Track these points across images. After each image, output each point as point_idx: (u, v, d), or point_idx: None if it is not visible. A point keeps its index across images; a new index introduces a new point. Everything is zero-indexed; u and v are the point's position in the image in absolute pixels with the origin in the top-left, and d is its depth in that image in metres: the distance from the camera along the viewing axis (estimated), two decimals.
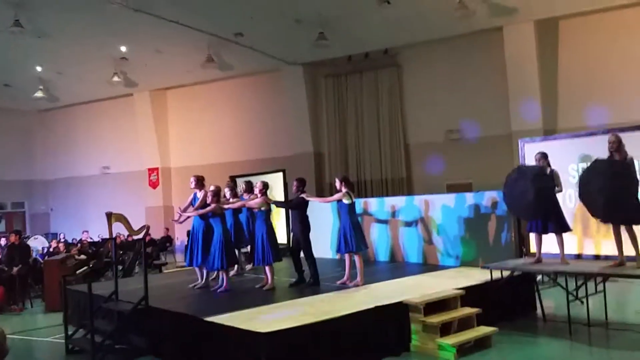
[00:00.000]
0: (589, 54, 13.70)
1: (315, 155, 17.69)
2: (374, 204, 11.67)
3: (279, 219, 12.64)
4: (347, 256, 8.56)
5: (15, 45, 15.79)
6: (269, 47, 15.98)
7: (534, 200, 7.65)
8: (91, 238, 17.36)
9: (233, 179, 11.23)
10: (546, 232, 7.86)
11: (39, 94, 19.23)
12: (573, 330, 7.29)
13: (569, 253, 8.04)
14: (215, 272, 9.08)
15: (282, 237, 11.70)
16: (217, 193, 8.73)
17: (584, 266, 7.69)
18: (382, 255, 11.33)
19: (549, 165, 8.00)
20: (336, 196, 8.53)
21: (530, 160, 8.63)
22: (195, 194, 9.08)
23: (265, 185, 8.78)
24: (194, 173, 9.62)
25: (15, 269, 11.51)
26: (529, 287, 8.56)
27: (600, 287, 7.83)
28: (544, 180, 7.78)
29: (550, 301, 8.88)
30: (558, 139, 9.45)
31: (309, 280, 8.64)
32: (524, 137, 9.95)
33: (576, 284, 7.60)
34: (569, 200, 8.38)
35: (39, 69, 18.37)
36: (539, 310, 8.35)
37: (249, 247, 10.09)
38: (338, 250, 8.65)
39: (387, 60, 16.55)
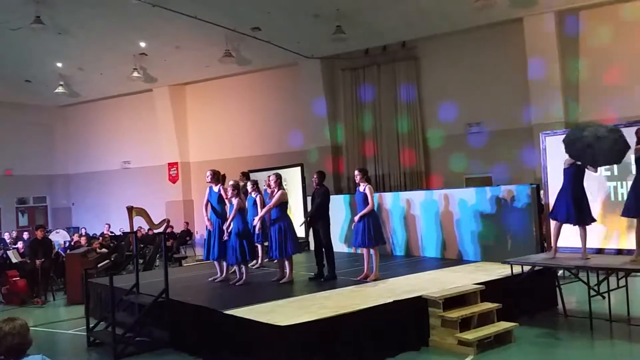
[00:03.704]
0: (610, 44, 13.47)
1: (332, 149, 17.68)
2: (390, 198, 11.63)
3: (293, 213, 12.64)
4: (365, 251, 8.53)
5: (36, 42, 16.02)
6: (287, 41, 15.98)
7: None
8: (112, 232, 17.56)
9: (246, 174, 11.18)
10: (576, 223, 7.70)
11: (60, 89, 19.48)
12: (594, 325, 7.21)
13: (590, 247, 7.94)
14: (235, 266, 9.11)
15: (299, 230, 11.69)
16: (236, 187, 8.75)
17: (606, 261, 7.59)
18: (399, 250, 11.30)
19: None
20: (369, 206, 8.40)
21: (555, 152, 8.53)
22: (210, 188, 9.08)
23: (279, 177, 8.80)
24: (212, 167, 9.64)
25: (38, 262, 11.69)
26: (550, 282, 8.47)
27: (622, 282, 7.72)
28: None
29: (572, 296, 8.79)
30: None
31: (326, 274, 8.64)
32: (545, 130, 9.82)
33: (598, 278, 7.51)
34: (590, 193, 8.23)
35: (59, 65, 18.60)
36: (559, 306, 8.27)
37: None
38: (361, 245, 8.48)
39: (405, 53, 16.44)
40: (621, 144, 7.29)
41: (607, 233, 8.22)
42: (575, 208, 7.61)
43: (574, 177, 7.74)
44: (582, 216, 7.65)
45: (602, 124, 7.76)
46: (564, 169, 7.87)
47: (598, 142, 7.32)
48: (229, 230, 8.68)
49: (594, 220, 7.76)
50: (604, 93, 13.37)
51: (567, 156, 7.80)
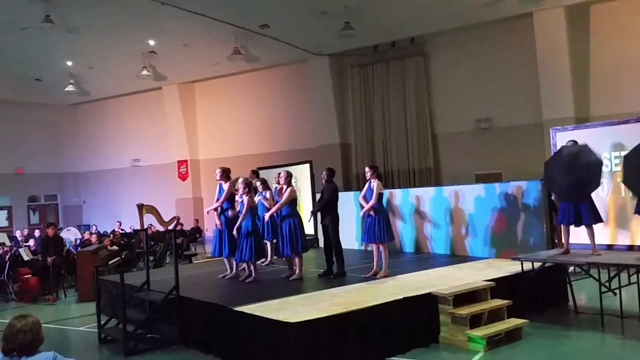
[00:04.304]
0: (620, 39, 13.36)
1: (341, 146, 17.66)
2: (399, 195, 11.62)
3: (302, 210, 12.67)
4: (374, 247, 8.52)
5: (46, 41, 16.09)
6: (295, 38, 15.98)
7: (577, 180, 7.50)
8: (123, 229, 17.65)
9: (255, 172, 11.22)
10: (579, 224, 7.68)
11: (70, 88, 19.59)
12: (605, 322, 7.17)
13: (600, 243, 7.88)
14: (244, 263, 9.13)
15: (308, 228, 11.70)
16: (248, 185, 8.76)
17: (617, 257, 7.54)
18: (408, 247, 11.28)
19: None
20: (371, 201, 8.41)
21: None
22: (220, 186, 9.09)
23: (289, 174, 8.80)
24: (222, 165, 9.66)
25: (49, 260, 11.77)
26: (560, 278, 8.43)
27: (633, 278, 7.66)
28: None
29: (582, 293, 8.74)
30: (590, 127, 9.24)
31: (336, 271, 8.65)
32: (555, 126, 9.76)
33: (609, 275, 7.46)
34: (601, 190, 8.19)
35: (69, 63, 18.69)
36: (570, 302, 8.22)
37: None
38: (369, 240, 8.50)
39: (413, 49, 16.39)
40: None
41: (618, 229, 8.17)
42: (577, 211, 7.58)
43: None
44: (586, 218, 7.59)
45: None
46: None
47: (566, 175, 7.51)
48: (209, 213, 8.93)
49: (600, 220, 7.68)
50: (615, 88, 13.27)
51: None
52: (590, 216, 7.57)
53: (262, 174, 11.80)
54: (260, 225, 9.39)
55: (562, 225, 7.99)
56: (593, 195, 7.76)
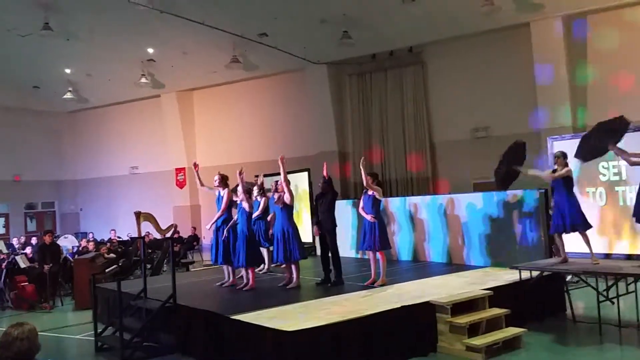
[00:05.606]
0: (618, 49, 13.42)
1: (339, 154, 17.67)
2: (397, 203, 11.61)
3: (300, 218, 12.67)
4: (371, 255, 8.49)
5: (45, 48, 16.13)
6: (293, 46, 16.03)
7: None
8: (119, 237, 17.61)
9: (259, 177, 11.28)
10: (566, 232, 7.69)
11: (68, 95, 19.62)
12: (603, 331, 7.16)
13: (599, 252, 7.89)
14: (242, 271, 9.11)
15: (306, 236, 11.69)
16: (248, 191, 8.77)
17: (615, 266, 7.54)
18: (406, 255, 11.26)
19: (567, 165, 7.86)
20: (376, 191, 8.38)
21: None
22: (219, 192, 9.11)
23: (287, 182, 8.80)
24: (220, 172, 9.66)
25: (46, 267, 11.73)
26: (558, 287, 8.42)
27: (631, 287, 7.66)
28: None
29: (580, 302, 8.73)
30: None
31: (333, 279, 8.62)
32: (553, 135, 9.78)
33: (607, 284, 7.46)
34: (599, 198, 8.22)
35: (68, 71, 18.73)
36: (568, 311, 8.22)
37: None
38: (368, 248, 8.42)
39: (411, 58, 16.45)
40: None
41: (617, 238, 8.18)
42: (561, 218, 7.60)
43: (557, 188, 7.80)
44: (570, 223, 7.60)
45: None
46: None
47: None
48: (210, 228, 8.88)
49: (588, 226, 7.65)
50: (613, 97, 13.30)
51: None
52: (575, 221, 7.56)
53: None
54: (256, 231, 9.39)
55: (556, 236, 7.99)
56: (589, 202, 7.77)
